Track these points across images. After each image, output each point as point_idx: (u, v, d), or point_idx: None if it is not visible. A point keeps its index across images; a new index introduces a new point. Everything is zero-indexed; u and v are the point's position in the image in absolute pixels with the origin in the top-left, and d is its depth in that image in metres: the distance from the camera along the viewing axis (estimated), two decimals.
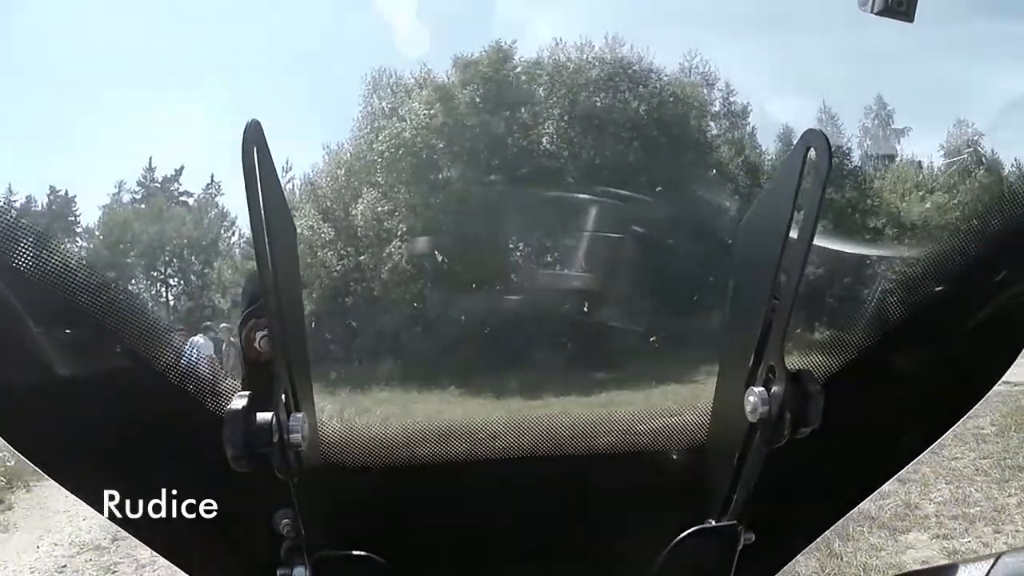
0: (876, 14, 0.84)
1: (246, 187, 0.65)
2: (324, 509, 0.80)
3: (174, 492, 0.83)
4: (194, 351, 0.85)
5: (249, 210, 0.66)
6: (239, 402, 0.68)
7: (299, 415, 0.71)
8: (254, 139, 0.66)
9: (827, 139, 0.72)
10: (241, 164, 0.65)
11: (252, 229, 0.67)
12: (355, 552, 0.79)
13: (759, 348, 0.76)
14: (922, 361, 0.91)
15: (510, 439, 0.92)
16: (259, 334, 0.76)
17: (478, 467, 0.91)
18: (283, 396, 0.70)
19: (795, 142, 0.75)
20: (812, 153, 0.72)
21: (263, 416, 0.68)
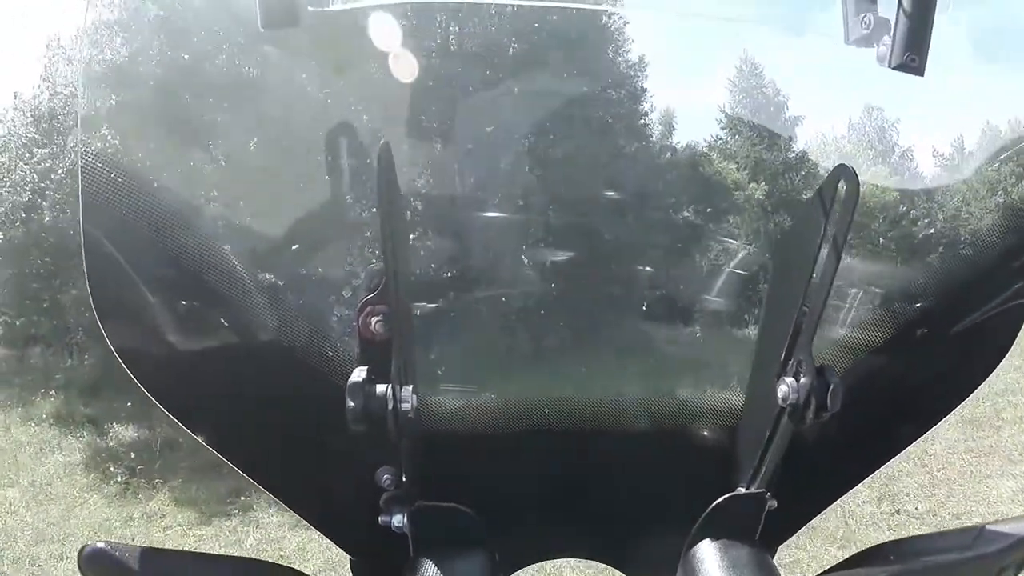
0: (892, 68, 0.91)
1: (378, 199, 0.73)
2: (422, 467, 0.87)
3: (296, 449, 0.91)
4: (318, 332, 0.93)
5: (380, 217, 0.74)
6: (359, 375, 0.76)
7: (409, 387, 0.79)
8: (386, 158, 0.74)
9: (856, 174, 0.79)
10: (376, 180, 0.72)
11: (381, 232, 0.75)
12: (447, 504, 0.86)
13: (790, 345, 0.84)
14: (924, 358, 0.99)
15: (576, 415, 1.00)
16: (374, 319, 0.83)
17: (549, 437, 0.98)
18: (397, 372, 0.78)
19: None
20: (842, 185, 0.79)
21: (380, 387, 0.76)
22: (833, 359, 0.95)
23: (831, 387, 0.80)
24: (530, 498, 0.97)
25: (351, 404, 0.75)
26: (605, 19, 0.95)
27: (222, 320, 0.90)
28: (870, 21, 0.94)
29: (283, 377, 0.91)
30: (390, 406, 0.76)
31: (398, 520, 0.86)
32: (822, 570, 0.91)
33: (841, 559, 0.93)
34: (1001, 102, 1.04)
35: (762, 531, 0.90)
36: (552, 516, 0.98)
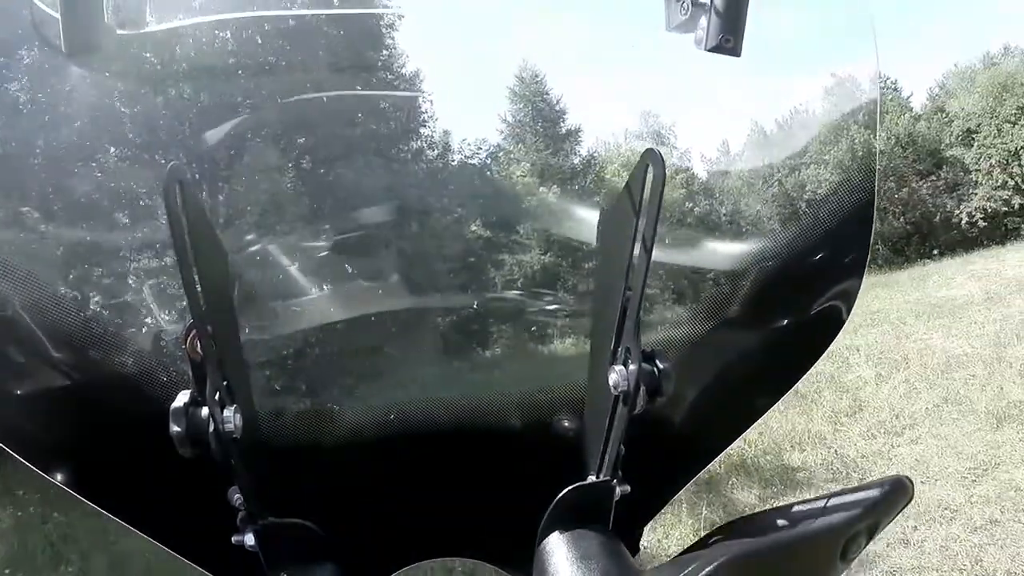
0: (708, 51, 0.91)
1: (169, 223, 0.71)
2: (267, 485, 0.86)
3: (149, 478, 0.90)
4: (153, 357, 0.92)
5: (174, 239, 0.72)
6: (181, 399, 0.75)
7: (231, 407, 0.78)
8: (175, 179, 0.72)
9: (662, 157, 0.79)
10: (165, 202, 0.70)
11: (177, 254, 0.72)
12: (290, 520, 0.86)
13: (618, 332, 0.84)
14: (761, 339, 0.99)
15: (420, 418, 0.99)
16: (199, 340, 0.82)
17: (395, 443, 0.98)
18: (217, 393, 0.77)
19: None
20: (650, 169, 0.80)
21: (201, 411, 0.75)
22: (668, 342, 0.95)
23: (661, 372, 0.80)
24: (382, 505, 0.97)
25: (175, 429, 0.74)
26: (397, 28, 0.94)
27: (60, 357, 0.89)
28: (688, 7, 0.95)
29: (128, 406, 0.90)
30: (211, 428, 0.75)
31: (250, 539, 0.85)
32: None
33: None
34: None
35: (619, 517, 0.90)
36: (409, 521, 0.97)
